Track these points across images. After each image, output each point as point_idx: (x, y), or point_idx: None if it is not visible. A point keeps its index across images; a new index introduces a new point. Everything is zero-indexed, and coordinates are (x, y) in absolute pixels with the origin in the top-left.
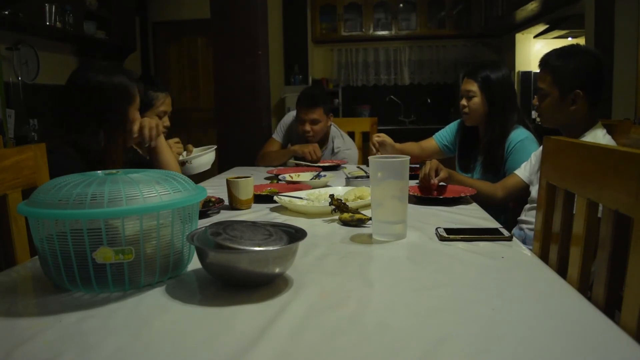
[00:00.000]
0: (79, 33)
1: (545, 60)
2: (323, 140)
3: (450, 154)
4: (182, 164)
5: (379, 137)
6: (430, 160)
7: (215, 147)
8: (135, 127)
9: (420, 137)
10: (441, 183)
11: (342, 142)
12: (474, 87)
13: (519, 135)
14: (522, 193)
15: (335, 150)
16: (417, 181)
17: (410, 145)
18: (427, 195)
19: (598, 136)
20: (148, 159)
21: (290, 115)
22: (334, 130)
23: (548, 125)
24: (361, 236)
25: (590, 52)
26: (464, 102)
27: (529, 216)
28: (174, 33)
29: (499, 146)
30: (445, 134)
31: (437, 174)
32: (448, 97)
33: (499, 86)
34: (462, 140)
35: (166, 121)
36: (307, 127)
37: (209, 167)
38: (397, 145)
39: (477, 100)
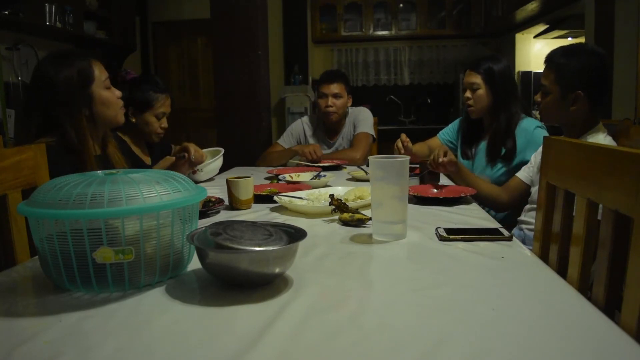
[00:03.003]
0: (79, 33)
1: (550, 57)
2: (340, 121)
3: (454, 150)
4: (194, 172)
5: (406, 141)
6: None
7: (223, 150)
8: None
9: (420, 137)
10: (443, 182)
11: (353, 110)
12: (477, 79)
13: (531, 124)
14: (525, 195)
15: (353, 119)
16: (418, 180)
17: (421, 147)
18: (429, 190)
19: (599, 139)
20: (148, 165)
21: (300, 122)
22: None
23: (549, 122)
24: (361, 236)
25: (596, 53)
26: (468, 94)
27: (528, 216)
28: (174, 33)
29: (506, 135)
30: (448, 131)
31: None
32: (448, 97)
33: (501, 77)
34: (465, 132)
35: (164, 122)
36: (330, 101)
37: (217, 172)
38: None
39: (481, 92)
